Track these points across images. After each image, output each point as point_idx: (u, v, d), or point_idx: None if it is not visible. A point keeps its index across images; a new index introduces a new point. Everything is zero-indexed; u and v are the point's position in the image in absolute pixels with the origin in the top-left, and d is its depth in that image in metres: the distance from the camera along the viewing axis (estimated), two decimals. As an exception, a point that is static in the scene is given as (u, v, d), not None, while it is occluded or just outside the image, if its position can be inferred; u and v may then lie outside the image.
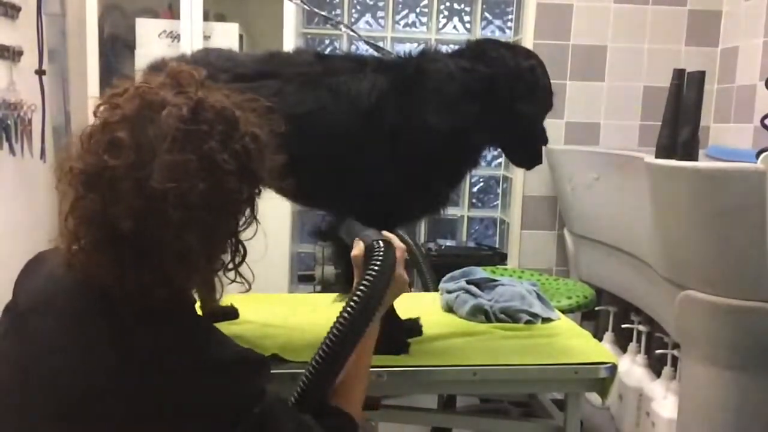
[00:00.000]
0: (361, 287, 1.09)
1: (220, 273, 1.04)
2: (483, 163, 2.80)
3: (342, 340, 1.06)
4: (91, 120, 0.98)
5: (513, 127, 1.47)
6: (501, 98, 1.43)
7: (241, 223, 1.03)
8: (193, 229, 0.93)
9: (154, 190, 0.90)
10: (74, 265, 0.96)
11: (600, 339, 2.74)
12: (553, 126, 3.03)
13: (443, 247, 3.10)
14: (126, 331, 0.96)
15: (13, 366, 0.99)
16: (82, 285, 0.97)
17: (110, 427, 0.94)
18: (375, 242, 1.14)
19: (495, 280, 1.95)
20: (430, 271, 2.71)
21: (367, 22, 3.36)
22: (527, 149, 1.54)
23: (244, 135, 0.98)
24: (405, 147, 1.39)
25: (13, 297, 1.06)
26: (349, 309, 1.07)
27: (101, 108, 0.97)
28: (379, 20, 3.35)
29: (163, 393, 0.94)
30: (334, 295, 1.47)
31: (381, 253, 1.12)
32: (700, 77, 2.29)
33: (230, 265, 1.03)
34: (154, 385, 0.94)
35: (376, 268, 1.10)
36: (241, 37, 2.80)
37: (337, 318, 1.08)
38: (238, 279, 1.05)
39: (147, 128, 0.93)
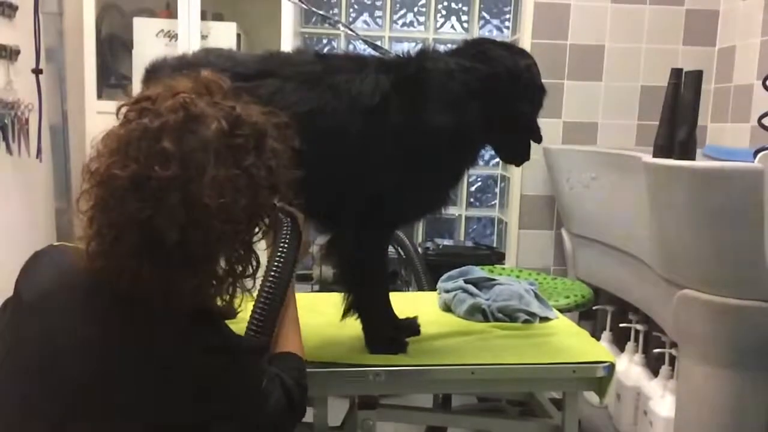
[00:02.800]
0: (281, 254, 1.25)
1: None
2: (481, 162, 2.81)
3: (273, 296, 1.21)
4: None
5: (511, 124, 1.48)
6: (500, 96, 1.43)
7: (260, 231, 1.08)
8: (232, 240, 0.99)
9: (203, 205, 0.92)
10: (97, 266, 0.96)
11: (598, 338, 2.74)
12: (550, 125, 3.04)
13: (441, 247, 3.10)
14: (146, 331, 0.97)
15: (14, 359, 0.99)
16: (96, 283, 0.97)
17: (131, 426, 0.95)
18: (283, 216, 1.31)
19: (493, 280, 1.95)
20: (425, 272, 2.70)
21: (365, 22, 3.36)
22: (521, 146, 1.55)
23: (270, 149, 1.02)
24: (407, 146, 1.39)
25: (15, 292, 1.06)
26: (274, 272, 1.22)
27: (126, 110, 0.98)
28: (377, 19, 3.35)
29: (184, 388, 0.96)
30: (333, 294, 1.47)
31: (290, 226, 1.29)
32: (697, 77, 2.29)
33: (247, 272, 1.06)
34: (175, 381, 0.96)
35: (289, 238, 1.27)
36: (238, 36, 2.79)
37: (265, 280, 1.22)
38: (254, 287, 1.10)
39: (189, 140, 0.94)
